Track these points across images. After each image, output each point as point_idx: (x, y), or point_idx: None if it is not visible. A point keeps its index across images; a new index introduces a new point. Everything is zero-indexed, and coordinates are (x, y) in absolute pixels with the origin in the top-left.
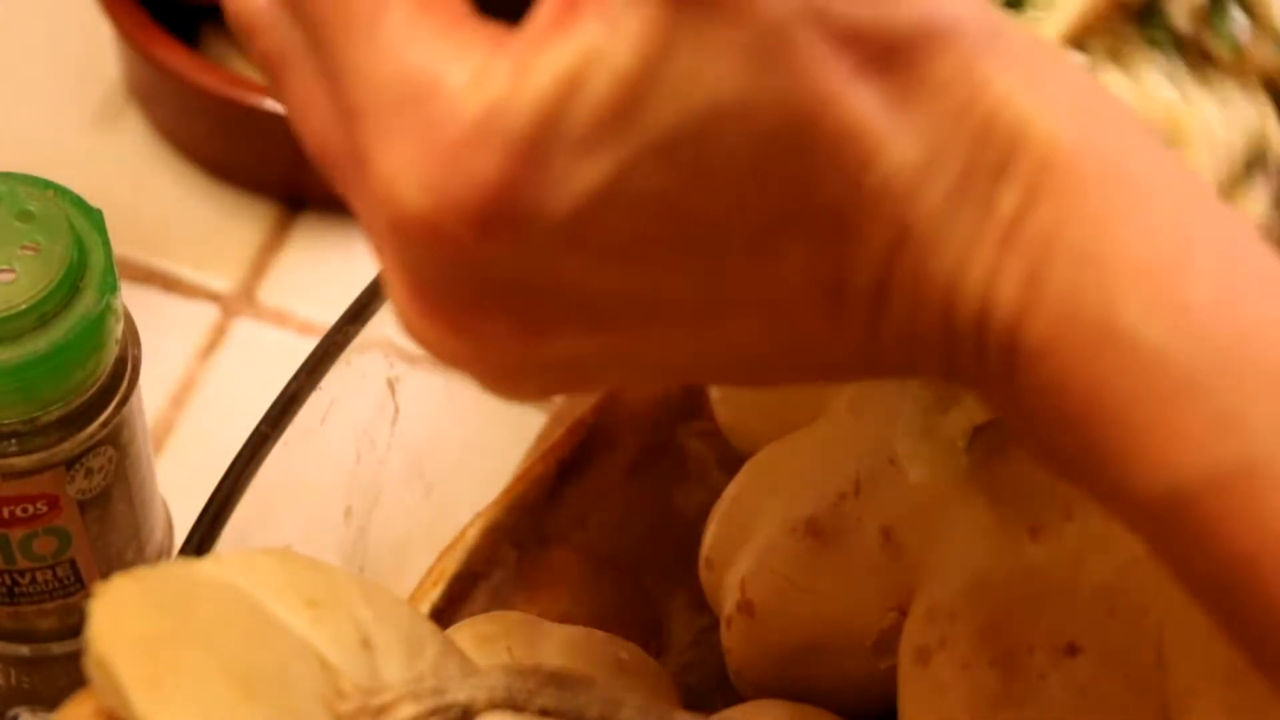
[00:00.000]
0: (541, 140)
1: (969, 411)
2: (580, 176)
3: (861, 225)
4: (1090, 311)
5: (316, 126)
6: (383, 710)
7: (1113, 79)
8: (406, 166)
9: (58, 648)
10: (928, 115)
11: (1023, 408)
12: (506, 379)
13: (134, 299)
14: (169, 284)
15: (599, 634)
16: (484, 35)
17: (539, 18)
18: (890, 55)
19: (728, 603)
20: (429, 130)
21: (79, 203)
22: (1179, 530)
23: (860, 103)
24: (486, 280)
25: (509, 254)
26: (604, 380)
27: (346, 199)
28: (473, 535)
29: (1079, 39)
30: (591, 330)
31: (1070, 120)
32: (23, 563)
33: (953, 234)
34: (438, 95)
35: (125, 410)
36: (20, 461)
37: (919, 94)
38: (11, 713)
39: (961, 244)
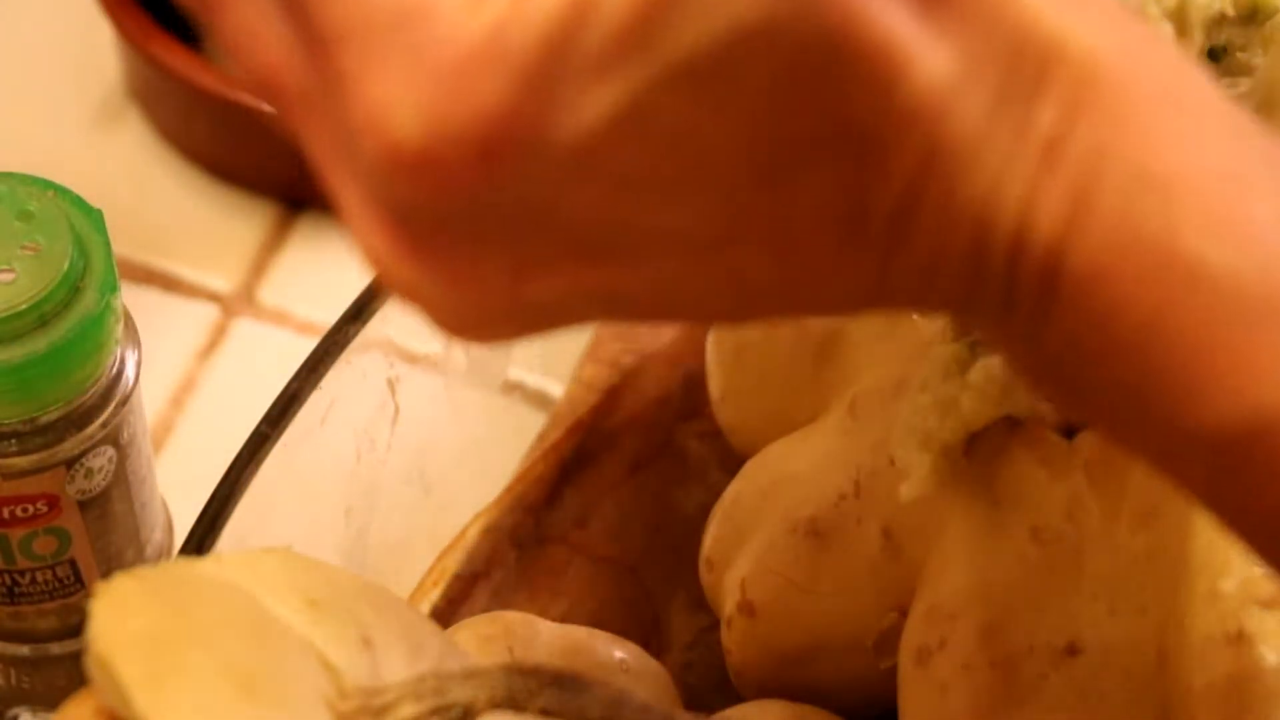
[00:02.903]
0: (550, 64)
1: (966, 419)
2: (592, 103)
3: (888, 146)
4: (1149, 233)
5: (266, 57)
6: (384, 710)
7: None
8: (400, 93)
9: (58, 648)
10: (958, 29)
11: (1059, 338)
12: (483, 322)
13: (134, 299)
14: (169, 284)
15: (599, 634)
16: None
17: None
18: None
19: (728, 603)
20: (424, 54)
21: (79, 203)
22: (1244, 465)
23: (889, 16)
24: (482, 215)
25: (509, 186)
26: (586, 319)
27: (302, 134)
28: (473, 535)
29: None
30: (589, 266)
31: (1108, 37)
32: (23, 563)
33: (988, 153)
34: (432, 17)
35: (125, 410)
36: (20, 461)
37: (951, 9)
38: (11, 713)
39: (997, 164)
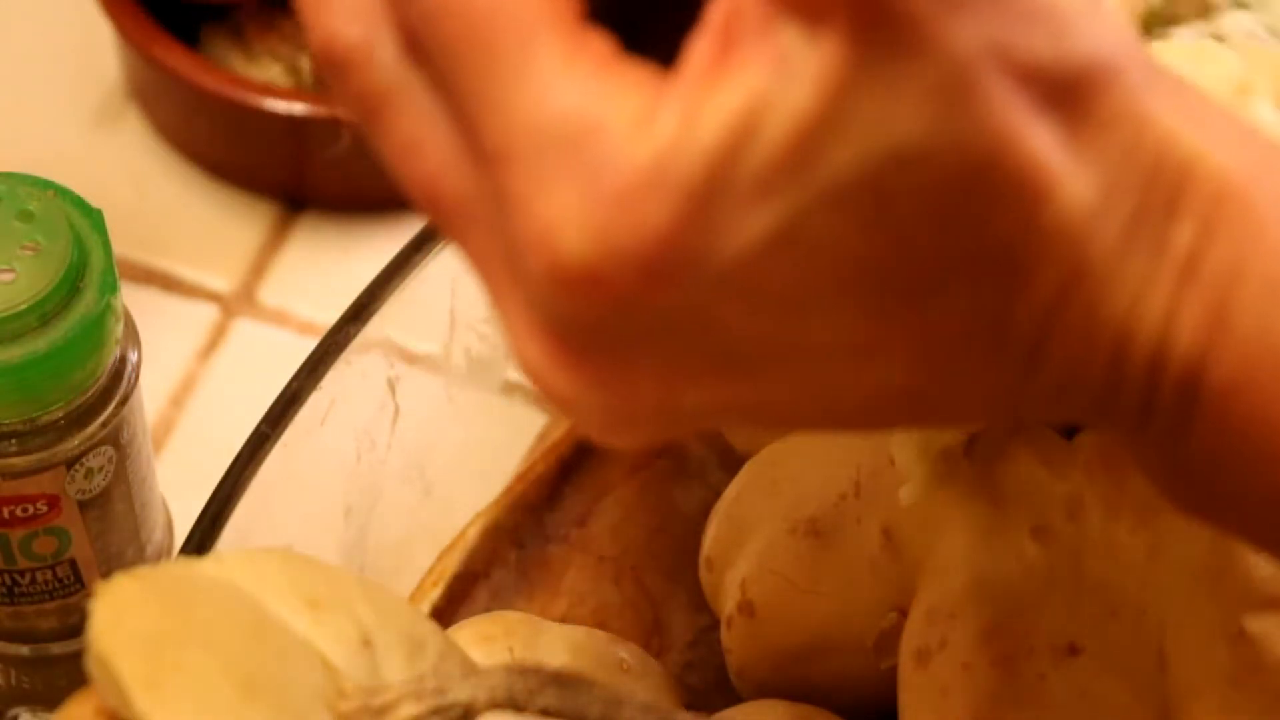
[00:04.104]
0: (714, 188)
1: None
2: (752, 225)
3: (1032, 266)
4: None
5: (430, 169)
6: (384, 710)
7: None
8: (569, 213)
9: (58, 648)
10: (1100, 152)
11: (1199, 450)
12: (631, 427)
13: (134, 299)
14: (169, 284)
15: (599, 634)
16: (639, 77)
17: (696, 58)
18: (1064, 92)
19: (728, 603)
20: (593, 176)
21: (79, 203)
22: None
23: (1039, 141)
24: (638, 330)
25: (667, 303)
26: (726, 423)
27: (462, 244)
28: (473, 535)
29: None
30: (736, 378)
31: (1236, 155)
32: (23, 563)
33: (1127, 272)
34: (601, 140)
35: (125, 410)
36: (20, 461)
37: (1091, 131)
38: (11, 713)
39: (1136, 282)
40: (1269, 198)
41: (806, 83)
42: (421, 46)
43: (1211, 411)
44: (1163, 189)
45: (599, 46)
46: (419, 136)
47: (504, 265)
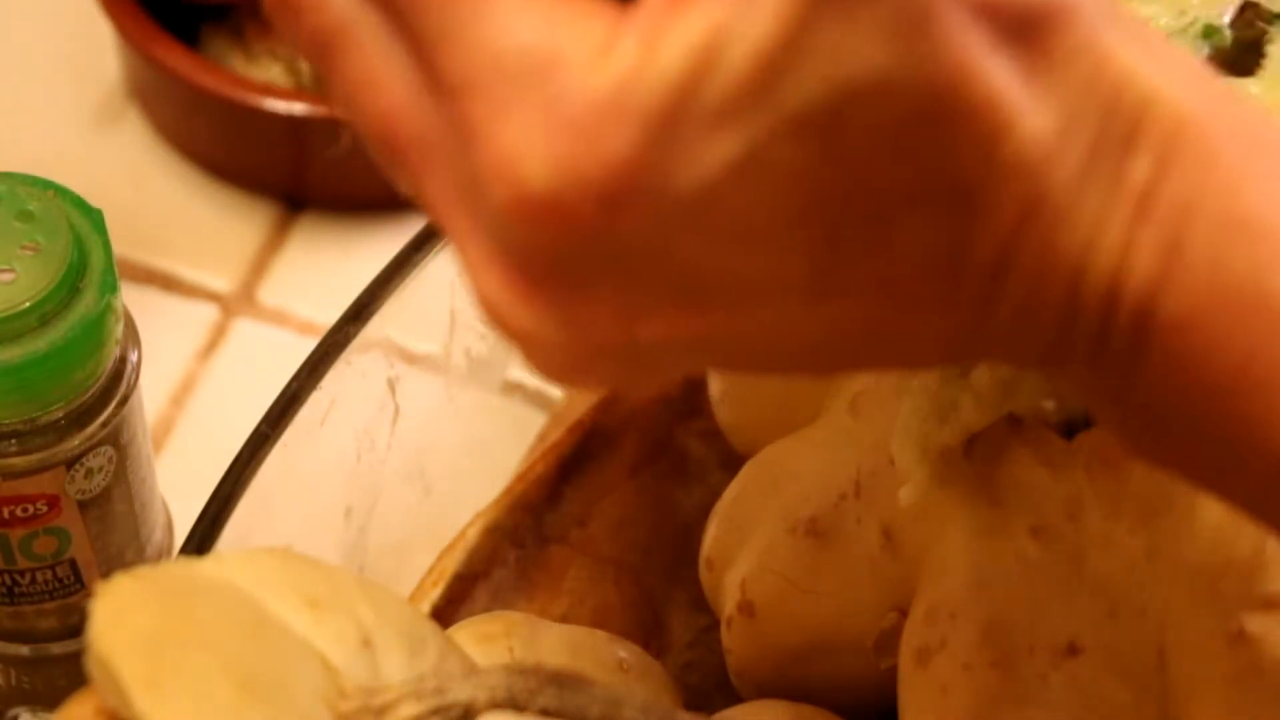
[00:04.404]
0: (675, 115)
1: (966, 422)
2: (712, 153)
3: (990, 200)
4: (1239, 279)
5: (385, 105)
6: (384, 710)
7: None
8: (530, 141)
9: (58, 648)
10: (1059, 87)
11: (1150, 386)
12: (588, 364)
13: (134, 299)
14: (169, 284)
15: (599, 634)
16: (599, 9)
17: None
18: (1023, 27)
19: (728, 603)
20: (554, 104)
21: (79, 203)
22: None
23: (998, 74)
24: (598, 259)
25: (627, 231)
26: (685, 367)
27: (417, 181)
28: (473, 535)
29: None
30: (694, 311)
31: (1193, 91)
32: (23, 563)
33: (1084, 205)
34: (561, 69)
35: (125, 410)
36: (20, 461)
37: (1050, 65)
38: (11, 713)
39: (1093, 216)
40: (1224, 134)
41: (767, 13)
42: None
43: (1163, 346)
44: (1120, 124)
45: None
46: (374, 73)
47: (462, 200)
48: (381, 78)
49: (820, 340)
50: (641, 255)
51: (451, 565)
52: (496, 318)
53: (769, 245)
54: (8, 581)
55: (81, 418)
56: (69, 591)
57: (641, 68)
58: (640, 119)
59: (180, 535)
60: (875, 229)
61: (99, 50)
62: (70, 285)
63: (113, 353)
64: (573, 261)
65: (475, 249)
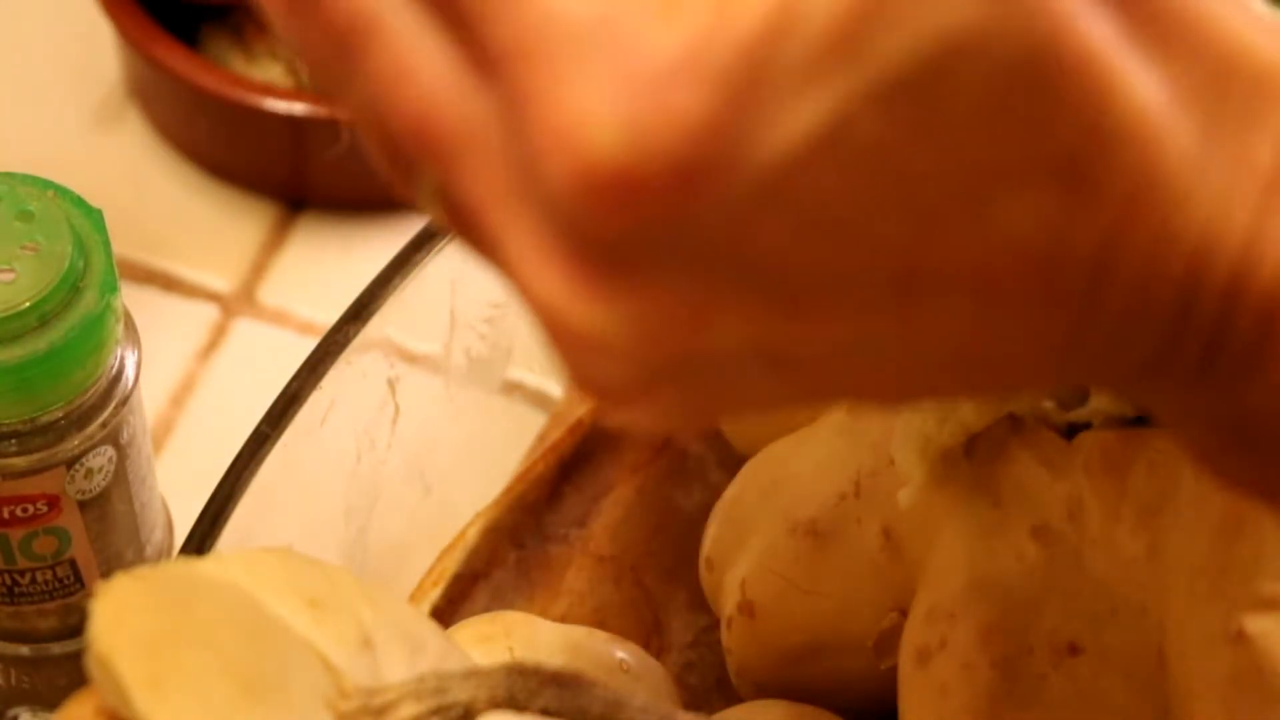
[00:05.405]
0: (755, 76)
1: (966, 422)
2: (794, 121)
3: (1097, 172)
4: None
5: (420, 95)
6: (384, 710)
7: None
8: (595, 107)
9: (58, 648)
10: (1165, 51)
11: (1268, 396)
12: (648, 382)
13: (134, 299)
14: (169, 284)
15: (599, 634)
16: None
17: None
18: None
19: (728, 603)
20: (620, 66)
21: (79, 203)
22: None
23: (1097, 30)
24: (671, 243)
25: (704, 210)
26: (750, 392)
27: (457, 175)
28: (473, 535)
29: None
30: (769, 312)
31: None
32: (23, 563)
33: (1204, 186)
34: (626, 28)
35: (125, 410)
36: (20, 461)
37: (1154, 27)
38: (11, 713)
39: (1214, 197)
40: None
41: None
42: None
43: None
44: (1239, 98)
45: None
46: (407, 62)
47: (511, 190)
48: (415, 66)
49: (905, 353)
50: (717, 240)
51: (451, 565)
52: (555, 322)
53: (855, 230)
54: (8, 581)
55: (81, 418)
56: (69, 591)
57: (717, 24)
58: (718, 80)
59: (180, 535)
60: (971, 211)
61: (99, 50)
62: (70, 285)
63: (113, 353)
64: (643, 245)
65: (529, 244)
